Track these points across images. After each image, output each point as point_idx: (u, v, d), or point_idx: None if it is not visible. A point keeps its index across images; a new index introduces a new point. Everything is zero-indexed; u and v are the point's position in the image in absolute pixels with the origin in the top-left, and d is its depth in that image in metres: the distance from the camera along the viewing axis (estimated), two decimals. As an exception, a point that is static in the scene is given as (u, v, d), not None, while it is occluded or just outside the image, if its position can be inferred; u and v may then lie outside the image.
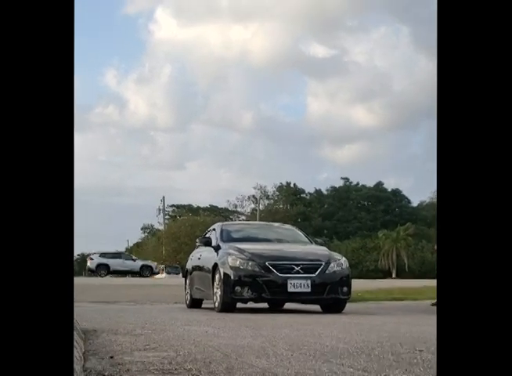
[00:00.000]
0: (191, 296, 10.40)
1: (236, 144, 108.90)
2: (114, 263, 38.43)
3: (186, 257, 12.67)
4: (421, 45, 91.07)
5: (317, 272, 8.61)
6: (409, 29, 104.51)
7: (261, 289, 8.47)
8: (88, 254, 43.85)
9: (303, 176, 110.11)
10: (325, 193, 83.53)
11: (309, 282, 8.49)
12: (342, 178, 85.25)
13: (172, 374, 3.12)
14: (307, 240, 10.20)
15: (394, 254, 59.99)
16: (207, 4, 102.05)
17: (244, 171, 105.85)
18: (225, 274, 8.60)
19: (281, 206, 75.15)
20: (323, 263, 8.74)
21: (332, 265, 8.78)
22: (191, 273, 10.52)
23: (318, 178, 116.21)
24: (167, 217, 75.39)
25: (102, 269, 37.99)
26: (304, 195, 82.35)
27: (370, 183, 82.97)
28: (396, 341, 4.53)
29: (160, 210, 72.45)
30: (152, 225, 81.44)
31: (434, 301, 10.23)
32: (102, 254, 39.48)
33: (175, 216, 75.39)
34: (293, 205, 75.33)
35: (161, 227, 71.59)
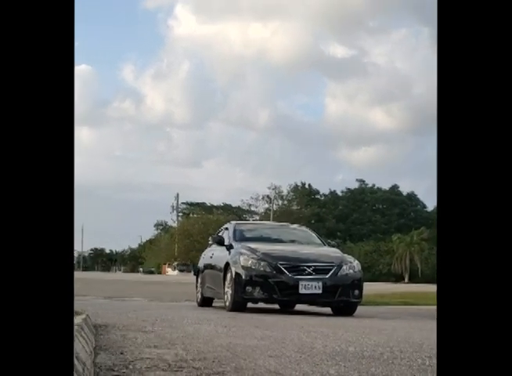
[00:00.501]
0: (202, 294, 10.42)
1: (252, 143, 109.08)
2: None
3: (198, 255, 12.70)
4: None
5: (329, 275, 8.59)
6: (430, 30, 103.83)
7: (272, 290, 8.47)
8: (102, 249, 43.96)
9: (318, 177, 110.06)
10: (340, 194, 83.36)
11: (321, 284, 8.47)
12: (357, 180, 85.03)
13: (181, 372, 3.13)
14: (320, 241, 10.18)
15: (407, 259, 59.71)
16: (227, 1, 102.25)
17: (259, 171, 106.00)
18: (236, 274, 8.61)
19: (295, 206, 75.04)
20: (335, 265, 8.72)
21: (344, 267, 8.76)
22: (203, 272, 10.54)
23: (333, 180, 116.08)
24: (180, 214, 75.59)
25: None
26: (318, 196, 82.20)
27: (386, 186, 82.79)
28: (406, 346, 4.51)
29: (173, 207, 72.72)
30: (165, 222, 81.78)
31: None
32: None
33: (189, 214, 75.53)
34: (307, 206, 75.19)
35: (174, 224, 71.81)
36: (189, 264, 45.30)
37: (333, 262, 8.79)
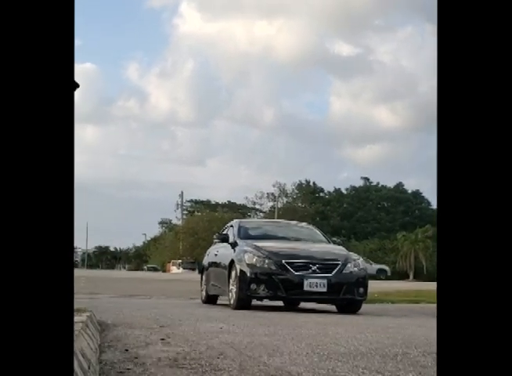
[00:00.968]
0: (207, 292, 10.43)
1: (256, 141, 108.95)
2: None
3: (203, 252, 12.70)
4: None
5: (334, 272, 8.59)
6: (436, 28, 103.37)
7: (276, 287, 8.47)
8: (106, 247, 43.99)
9: (323, 175, 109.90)
10: (344, 192, 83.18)
11: (325, 282, 8.48)
12: (362, 178, 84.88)
13: (186, 369, 3.13)
14: (325, 239, 10.18)
15: (412, 256, 59.55)
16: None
17: (264, 169, 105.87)
18: (241, 271, 8.61)
19: (300, 204, 74.98)
20: (340, 263, 8.72)
21: (349, 265, 8.76)
22: (207, 269, 10.55)
23: (338, 178, 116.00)
24: (185, 212, 75.64)
25: None
26: (323, 194, 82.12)
27: (390, 184, 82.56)
28: (411, 344, 4.51)
29: (178, 205, 72.77)
30: (170, 220, 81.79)
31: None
32: None
33: (193, 211, 75.57)
34: (312, 204, 75.13)
35: (179, 222, 71.86)
36: (193, 262, 45.28)
37: (337, 260, 8.79)
